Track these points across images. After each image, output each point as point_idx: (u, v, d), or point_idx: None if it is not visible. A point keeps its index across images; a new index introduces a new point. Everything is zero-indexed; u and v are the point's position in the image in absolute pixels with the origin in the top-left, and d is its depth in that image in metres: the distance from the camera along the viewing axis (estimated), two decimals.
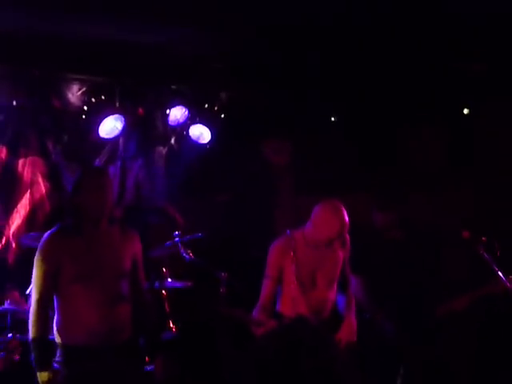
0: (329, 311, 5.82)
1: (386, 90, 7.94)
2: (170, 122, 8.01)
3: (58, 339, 4.73)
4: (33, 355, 4.60)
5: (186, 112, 7.99)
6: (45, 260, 4.68)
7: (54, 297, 4.74)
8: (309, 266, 5.67)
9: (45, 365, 4.59)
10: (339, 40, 6.99)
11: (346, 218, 5.56)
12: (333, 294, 5.84)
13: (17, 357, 6.17)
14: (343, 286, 5.96)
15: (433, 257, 6.64)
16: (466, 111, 8.01)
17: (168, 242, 7.18)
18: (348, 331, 5.74)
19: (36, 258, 4.72)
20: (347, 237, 5.84)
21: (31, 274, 4.77)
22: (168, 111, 7.95)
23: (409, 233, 6.82)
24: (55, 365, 4.67)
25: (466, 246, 6.08)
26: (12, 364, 6.18)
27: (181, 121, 8.03)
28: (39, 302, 4.66)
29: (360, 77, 7.78)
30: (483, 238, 5.60)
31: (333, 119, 8.49)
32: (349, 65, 7.58)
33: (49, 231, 4.80)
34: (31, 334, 4.63)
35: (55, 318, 4.77)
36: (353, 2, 6.08)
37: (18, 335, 6.23)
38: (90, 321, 4.64)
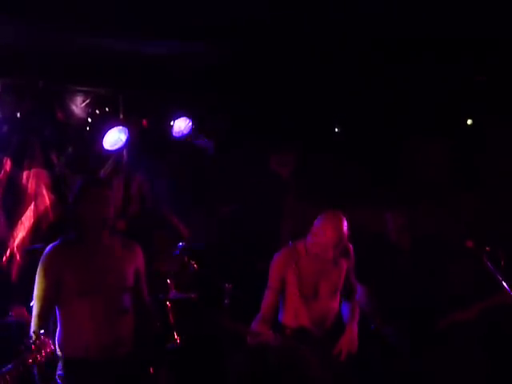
0: (331, 322, 5.81)
1: (390, 102, 7.94)
2: (174, 134, 8.01)
3: (59, 353, 4.71)
4: (35, 369, 4.58)
5: (190, 123, 8.00)
6: (46, 273, 4.68)
7: (56, 310, 4.73)
8: (311, 276, 5.67)
9: (47, 379, 4.58)
10: (341, 52, 7.00)
11: (344, 227, 5.57)
12: (335, 304, 5.83)
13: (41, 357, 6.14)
14: (348, 296, 5.95)
15: (438, 267, 6.63)
16: (469, 122, 8.00)
17: (172, 254, 7.17)
18: (348, 341, 5.72)
19: (38, 271, 4.72)
20: (350, 246, 5.83)
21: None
22: (172, 122, 7.95)
23: (415, 243, 6.82)
24: (57, 379, 4.65)
25: (470, 255, 6.07)
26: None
27: (185, 132, 8.03)
28: (40, 314, 4.66)
29: (364, 88, 7.78)
30: (487, 248, 5.58)
31: (336, 130, 8.49)
32: (353, 76, 7.59)
33: (51, 244, 4.79)
34: None
35: (57, 331, 4.75)
36: (354, 16, 6.09)
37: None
38: (92, 334, 4.63)
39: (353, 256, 5.88)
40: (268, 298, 5.73)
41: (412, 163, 8.09)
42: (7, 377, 4.26)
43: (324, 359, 5.56)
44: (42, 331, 5.69)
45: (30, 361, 4.91)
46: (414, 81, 7.53)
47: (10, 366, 5.22)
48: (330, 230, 5.55)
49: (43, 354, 5.23)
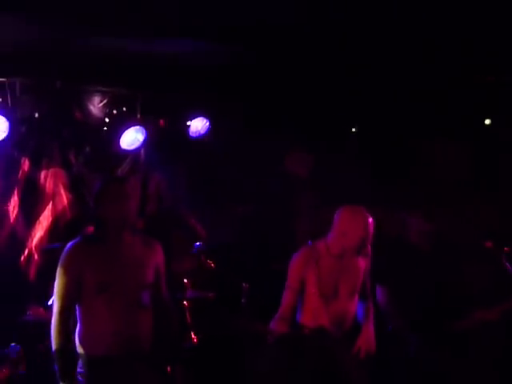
0: (350, 323, 5.80)
1: (409, 102, 7.92)
2: (191, 133, 8.02)
3: (80, 350, 4.72)
4: (56, 366, 4.60)
5: (207, 123, 8.01)
6: (67, 271, 4.69)
7: (76, 307, 4.75)
8: (331, 276, 5.66)
9: (68, 376, 4.59)
10: (360, 51, 7.00)
11: (371, 225, 5.56)
12: (354, 305, 5.82)
13: (21, 369, 6.16)
14: (362, 296, 5.94)
15: (457, 267, 6.62)
16: (487, 122, 7.98)
17: (189, 253, 7.19)
18: (366, 340, 5.71)
19: (58, 269, 4.73)
20: (368, 247, 5.83)
21: (53, 285, 4.79)
22: (189, 122, 7.97)
23: (435, 244, 6.81)
24: (78, 376, 4.67)
25: (489, 256, 6.07)
26: (16, 377, 6.18)
27: (202, 132, 8.05)
28: (61, 313, 4.65)
29: (382, 88, 7.77)
30: (506, 249, 5.57)
31: (353, 130, 8.49)
32: (372, 76, 7.58)
33: (71, 242, 4.80)
34: (54, 345, 4.62)
35: (77, 328, 4.77)
36: (371, 16, 6.10)
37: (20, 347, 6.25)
38: (112, 331, 4.64)
39: (370, 257, 5.87)
40: (287, 298, 5.72)
41: (432, 164, 8.07)
42: None
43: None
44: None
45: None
46: (434, 81, 7.51)
47: None
48: (360, 224, 5.53)
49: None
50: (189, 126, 7.99)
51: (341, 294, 5.69)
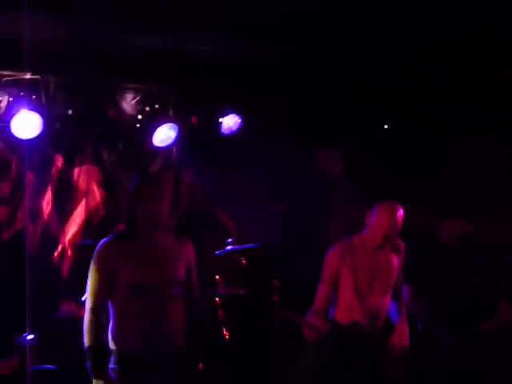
0: (383, 319, 5.79)
1: (441, 100, 7.87)
2: (222, 131, 8.03)
3: (112, 346, 4.75)
4: (88, 363, 4.63)
5: (239, 120, 8.01)
6: (99, 268, 4.72)
7: (109, 304, 4.77)
8: (366, 271, 5.66)
9: (100, 372, 4.61)
10: (393, 48, 6.97)
11: (398, 215, 5.59)
12: (388, 301, 5.81)
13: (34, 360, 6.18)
14: (395, 293, 5.93)
15: (486, 266, 6.59)
16: None
17: (221, 250, 7.20)
18: (400, 336, 5.69)
19: (91, 266, 4.76)
20: (402, 244, 5.82)
21: (86, 281, 4.81)
22: (221, 120, 7.97)
23: (467, 243, 6.78)
24: (110, 373, 4.68)
25: None
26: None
27: (233, 129, 8.04)
28: (93, 310, 4.69)
29: (415, 86, 7.73)
30: None
31: (386, 127, 8.45)
32: (404, 74, 7.55)
33: (103, 239, 4.83)
34: (86, 342, 4.65)
35: (110, 325, 4.79)
36: (402, 15, 6.08)
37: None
38: (144, 328, 4.66)
39: (404, 254, 5.86)
40: (322, 291, 5.75)
41: (463, 164, 8.02)
42: None
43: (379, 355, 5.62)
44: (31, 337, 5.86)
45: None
46: (465, 79, 7.46)
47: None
48: (384, 216, 5.59)
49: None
50: (221, 123, 7.98)
51: (376, 289, 5.69)
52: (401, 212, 5.62)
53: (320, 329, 5.54)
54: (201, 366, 5.39)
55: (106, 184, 7.83)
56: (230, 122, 8.02)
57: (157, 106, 7.74)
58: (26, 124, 6.70)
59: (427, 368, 6.37)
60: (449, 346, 6.35)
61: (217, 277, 7.13)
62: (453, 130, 8.01)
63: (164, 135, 7.67)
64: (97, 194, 7.79)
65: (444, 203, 7.51)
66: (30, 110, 6.68)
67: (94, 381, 4.61)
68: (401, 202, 5.72)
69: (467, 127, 7.85)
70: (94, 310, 4.68)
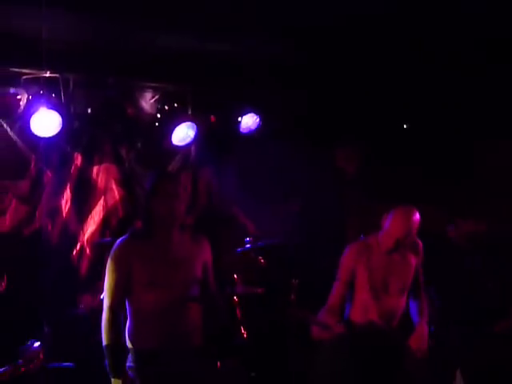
0: (398, 319, 5.77)
1: (463, 101, 7.84)
2: (241, 130, 8.02)
3: (129, 344, 4.75)
4: (106, 362, 4.64)
5: (258, 119, 8.01)
6: (116, 266, 4.72)
7: (126, 302, 4.78)
8: (382, 271, 5.65)
9: (119, 371, 4.61)
10: (413, 49, 6.96)
11: (414, 220, 5.56)
12: (403, 301, 5.79)
13: (32, 366, 6.14)
14: (416, 293, 5.90)
15: (496, 269, 6.58)
16: None
17: (239, 249, 7.21)
18: (419, 338, 5.66)
19: (108, 264, 4.76)
20: (420, 243, 5.80)
21: (104, 279, 4.82)
22: (240, 119, 7.97)
23: (477, 244, 6.76)
24: (128, 371, 4.68)
25: None
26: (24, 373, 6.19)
27: (252, 128, 8.04)
28: (111, 308, 4.69)
29: (436, 86, 7.71)
30: None
31: (405, 126, 8.42)
32: (426, 75, 7.53)
33: (120, 238, 4.83)
34: (104, 340, 4.65)
35: (127, 323, 4.80)
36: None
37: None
38: (161, 326, 4.66)
39: (422, 253, 5.84)
40: (337, 290, 5.74)
41: (484, 163, 7.97)
42: None
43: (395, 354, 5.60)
44: (37, 344, 5.83)
45: (23, 369, 5.07)
46: (488, 79, 7.42)
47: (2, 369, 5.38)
48: (399, 222, 5.57)
49: (33, 365, 5.37)
50: (239, 121, 7.98)
51: (391, 289, 5.67)
52: (416, 217, 5.59)
53: (331, 327, 5.52)
54: (218, 364, 5.41)
55: (125, 182, 7.84)
56: (248, 121, 8.02)
57: (175, 104, 7.75)
58: (45, 122, 6.73)
59: (440, 369, 6.34)
60: (461, 346, 6.34)
61: (235, 275, 7.13)
62: (473, 130, 7.97)
63: (183, 134, 7.67)
64: (115, 192, 7.81)
65: (463, 204, 7.48)
66: (49, 108, 6.71)
67: (112, 380, 4.62)
68: (415, 203, 5.70)
69: (489, 127, 7.82)
70: (112, 309, 4.68)
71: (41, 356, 6.03)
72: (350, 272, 5.68)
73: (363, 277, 5.64)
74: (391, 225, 5.61)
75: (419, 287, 5.93)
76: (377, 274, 5.63)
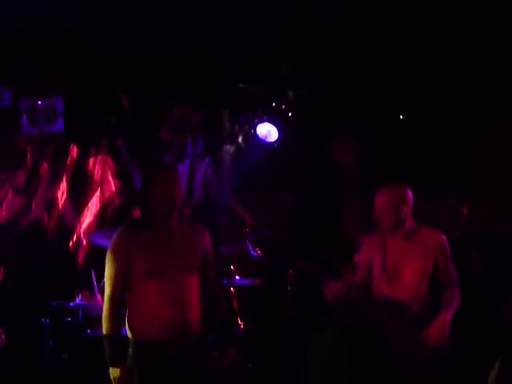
0: (417, 309, 5.70)
1: (462, 92, 7.84)
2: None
3: (129, 334, 4.75)
4: (106, 351, 4.64)
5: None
6: (116, 257, 4.71)
7: (125, 292, 4.77)
8: (394, 257, 5.65)
9: (117, 361, 4.62)
10: (412, 38, 6.97)
11: (400, 195, 5.65)
12: (422, 289, 5.73)
13: None
14: (444, 285, 5.83)
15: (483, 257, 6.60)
16: None
17: (236, 240, 7.21)
18: (438, 328, 5.58)
19: (107, 255, 4.75)
20: (443, 237, 5.76)
21: (102, 270, 4.82)
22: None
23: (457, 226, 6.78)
24: (127, 361, 4.69)
25: None
26: None
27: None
28: (112, 298, 4.68)
29: (431, 76, 7.71)
30: None
31: (401, 117, 8.42)
32: (424, 66, 7.53)
33: (119, 228, 4.83)
34: (104, 330, 4.64)
35: (127, 313, 4.80)
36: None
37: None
38: (162, 316, 4.65)
39: (446, 246, 5.78)
40: (359, 274, 5.84)
41: (486, 153, 7.98)
42: None
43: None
44: None
45: None
46: (486, 71, 7.43)
47: None
48: (383, 195, 5.65)
49: None
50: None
51: (404, 275, 5.65)
52: (401, 192, 5.67)
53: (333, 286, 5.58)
54: (216, 354, 5.41)
55: (121, 174, 7.84)
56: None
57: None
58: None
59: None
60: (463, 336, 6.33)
61: (232, 267, 7.14)
62: (473, 120, 7.97)
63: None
64: (112, 184, 7.81)
65: (461, 194, 7.48)
66: None
67: (110, 369, 4.62)
68: (415, 193, 5.70)
69: (490, 117, 7.82)
70: (112, 299, 4.68)
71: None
72: (368, 259, 5.81)
73: (377, 263, 5.71)
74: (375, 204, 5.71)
75: (448, 276, 5.82)
76: (390, 260, 5.68)
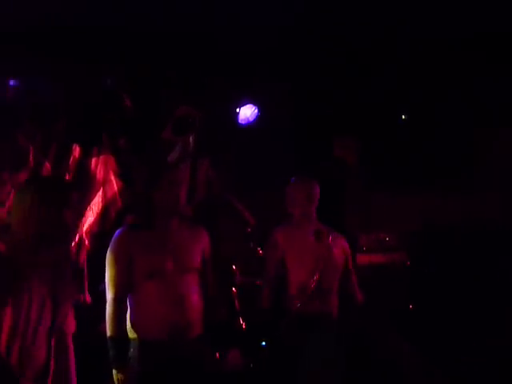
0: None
1: (460, 90, 7.84)
2: (240, 121, 8.02)
3: (131, 334, 4.77)
4: (110, 353, 4.65)
5: (256, 110, 8.00)
6: (117, 258, 4.73)
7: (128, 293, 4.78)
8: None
9: (121, 363, 4.64)
10: (410, 40, 6.97)
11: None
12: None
13: None
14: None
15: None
16: None
17: (238, 240, 7.21)
18: None
19: (108, 256, 4.77)
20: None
21: (103, 271, 4.83)
22: (238, 109, 7.96)
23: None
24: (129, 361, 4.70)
25: None
26: None
27: (251, 119, 8.03)
28: (115, 300, 4.71)
29: (433, 76, 7.71)
30: None
31: (403, 117, 8.42)
32: (423, 64, 7.53)
33: (119, 229, 4.84)
34: (108, 332, 4.68)
35: (128, 313, 4.81)
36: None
37: None
38: (162, 316, 4.68)
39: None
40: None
41: (485, 152, 7.98)
42: None
43: None
44: None
45: None
46: (485, 69, 7.43)
47: None
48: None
49: None
50: (238, 113, 7.97)
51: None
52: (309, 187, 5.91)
53: None
54: (217, 354, 5.42)
55: (123, 174, 7.84)
56: (247, 112, 8.01)
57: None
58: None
59: None
60: None
61: (233, 266, 7.14)
62: (475, 120, 7.97)
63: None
64: (114, 184, 7.80)
65: (464, 192, 7.49)
66: None
67: (114, 371, 4.63)
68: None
69: (490, 117, 7.82)
70: (115, 301, 4.70)
71: None
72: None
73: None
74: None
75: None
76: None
